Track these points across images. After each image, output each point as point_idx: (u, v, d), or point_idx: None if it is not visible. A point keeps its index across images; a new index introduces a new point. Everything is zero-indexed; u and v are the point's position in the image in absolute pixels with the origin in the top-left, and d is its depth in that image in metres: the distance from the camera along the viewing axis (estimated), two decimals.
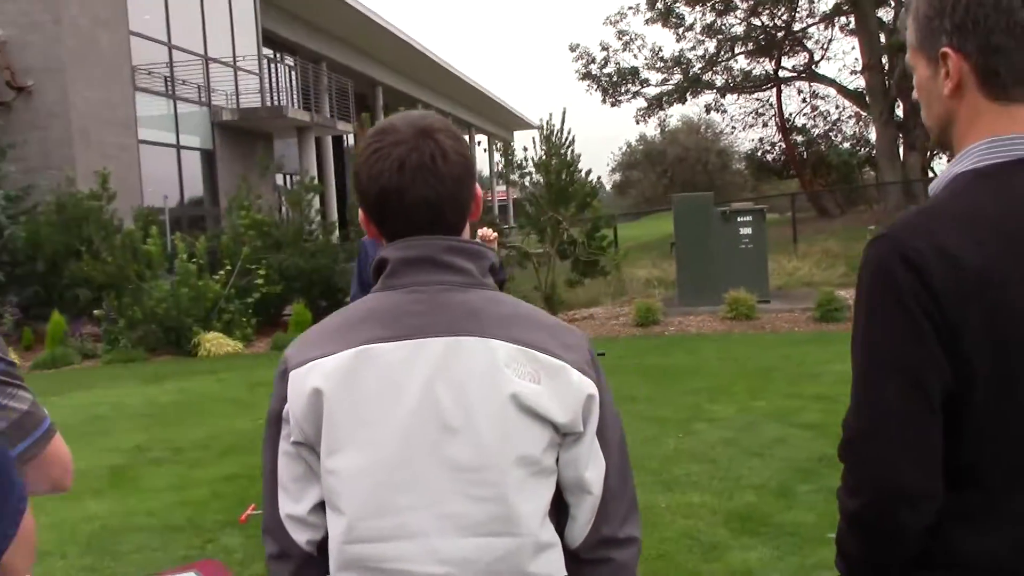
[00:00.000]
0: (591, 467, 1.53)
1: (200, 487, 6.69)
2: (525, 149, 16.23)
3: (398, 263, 1.55)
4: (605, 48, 32.39)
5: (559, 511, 1.58)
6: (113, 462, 7.57)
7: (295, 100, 27.55)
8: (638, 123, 39.77)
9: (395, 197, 1.53)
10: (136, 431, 8.81)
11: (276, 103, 25.52)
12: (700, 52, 32.35)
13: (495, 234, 4.91)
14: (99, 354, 14.00)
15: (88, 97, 18.59)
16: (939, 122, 1.61)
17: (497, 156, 16.68)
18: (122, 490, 6.79)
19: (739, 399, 8.69)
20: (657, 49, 32.34)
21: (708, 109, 35.61)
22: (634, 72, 32.07)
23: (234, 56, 24.65)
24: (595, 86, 32.29)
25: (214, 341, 13.83)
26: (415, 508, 1.47)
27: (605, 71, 32.19)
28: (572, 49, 32.07)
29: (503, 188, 29.56)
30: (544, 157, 15.23)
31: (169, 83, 22.06)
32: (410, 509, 1.47)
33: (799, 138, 37.03)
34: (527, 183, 15.74)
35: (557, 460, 1.53)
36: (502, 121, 55.67)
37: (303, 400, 1.50)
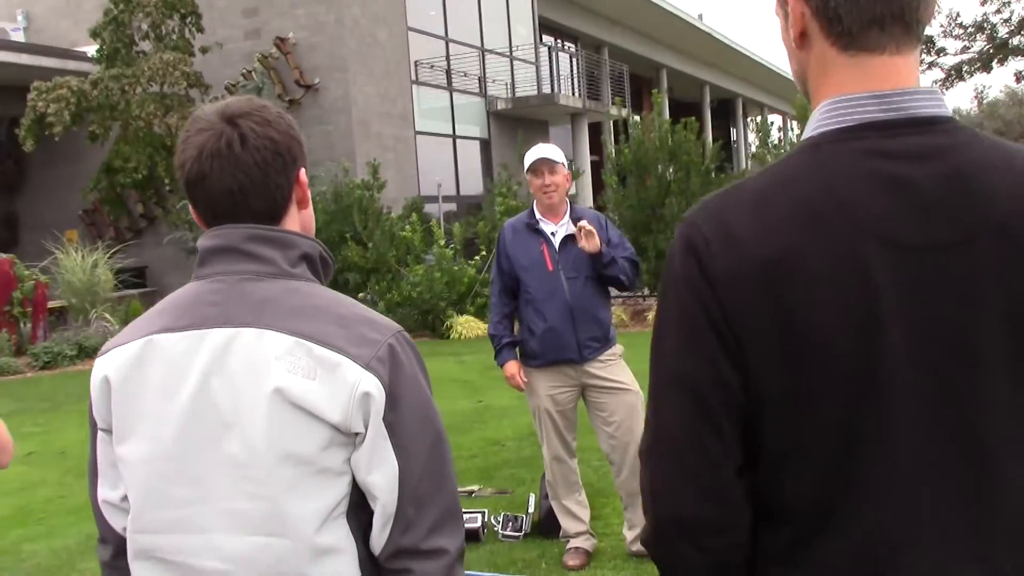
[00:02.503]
0: (375, 471, 1.44)
1: None
2: (780, 129, 15.51)
3: (205, 252, 1.54)
4: None
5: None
6: None
7: (575, 87, 27.85)
8: None
9: (198, 186, 1.52)
10: None
11: (552, 90, 25.94)
12: (1006, 15, 29.47)
13: (590, 226, 4.42)
14: None
15: (368, 92, 19.76)
16: (798, 79, 1.37)
17: (752, 136, 15.85)
18: None
19: None
20: (955, 15, 29.68)
21: (1018, 77, 32.30)
22: (929, 41, 29.75)
23: (510, 46, 25.33)
24: None
25: (465, 324, 14.30)
26: (196, 503, 1.45)
27: None
28: None
29: None
30: (799, 134, 14.46)
31: (447, 76, 23.01)
32: (191, 503, 1.46)
33: None
34: None
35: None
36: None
37: (97, 388, 1.53)
